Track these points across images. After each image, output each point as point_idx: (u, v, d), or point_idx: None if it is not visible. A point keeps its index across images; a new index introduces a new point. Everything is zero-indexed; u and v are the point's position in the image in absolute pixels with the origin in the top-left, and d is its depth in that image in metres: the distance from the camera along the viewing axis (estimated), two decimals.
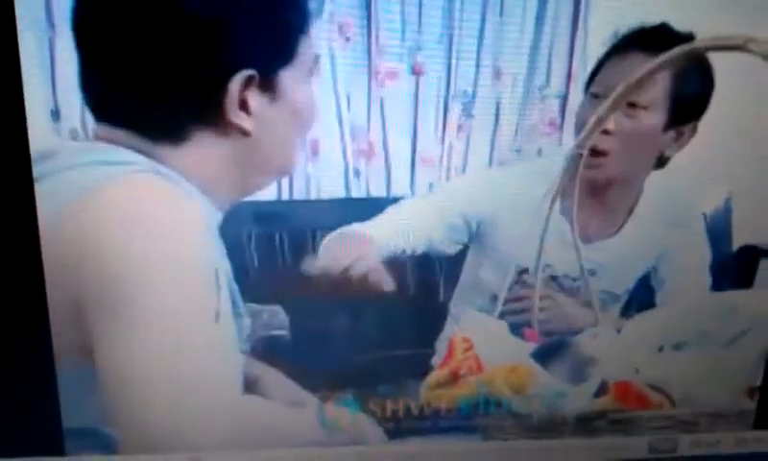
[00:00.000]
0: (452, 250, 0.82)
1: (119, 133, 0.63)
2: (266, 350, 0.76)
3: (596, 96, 0.78)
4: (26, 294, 0.65)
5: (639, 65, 0.75)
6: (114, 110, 0.63)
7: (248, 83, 0.63)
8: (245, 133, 0.65)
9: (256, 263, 0.73)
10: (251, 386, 0.73)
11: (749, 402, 0.85)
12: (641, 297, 0.88)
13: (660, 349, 0.85)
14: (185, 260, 0.64)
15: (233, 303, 0.69)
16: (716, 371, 0.86)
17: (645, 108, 0.78)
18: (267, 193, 0.70)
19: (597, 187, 0.82)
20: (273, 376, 0.75)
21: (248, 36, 0.62)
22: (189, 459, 0.70)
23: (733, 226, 0.82)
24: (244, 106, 0.63)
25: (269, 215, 0.72)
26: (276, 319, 0.74)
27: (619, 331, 0.86)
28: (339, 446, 0.79)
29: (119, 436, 0.68)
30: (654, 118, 0.78)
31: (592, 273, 0.84)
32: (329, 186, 0.71)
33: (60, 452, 0.71)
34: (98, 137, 0.64)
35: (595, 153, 0.78)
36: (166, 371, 0.64)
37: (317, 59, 0.66)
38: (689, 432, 0.86)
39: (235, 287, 0.70)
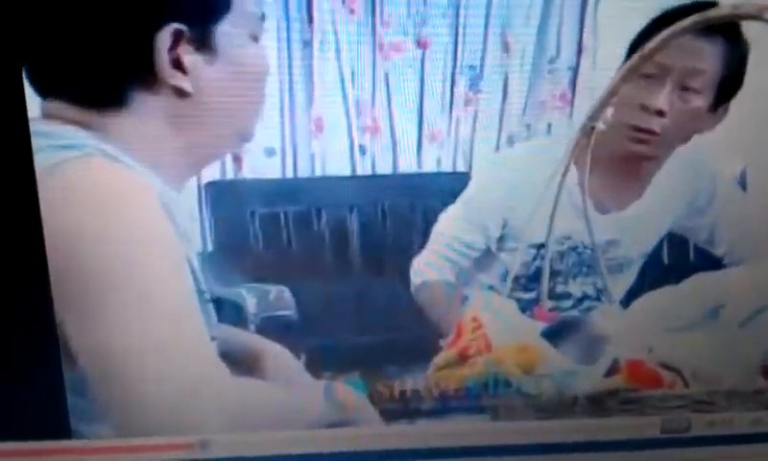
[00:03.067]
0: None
1: (63, 108, 0.61)
2: (272, 330, 0.75)
3: (648, 77, 0.78)
4: (29, 276, 0.64)
5: (692, 46, 0.75)
6: (51, 81, 0.60)
7: (177, 38, 0.59)
8: (183, 94, 0.62)
9: (261, 242, 0.72)
10: (251, 367, 0.72)
11: (764, 382, 0.84)
12: (655, 271, 0.87)
13: (674, 327, 0.84)
14: (137, 241, 0.61)
15: (198, 287, 0.67)
16: (731, 349, 0.84)
17: (698, 91, 0.78)
18: (270, 171, 0.69)
19: (628, 161, 0.82)
20: (277, 357, 0.74)
21: None
22: (198, 441, 0.70)
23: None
24: (178, 64, 0.60)
25: (273, 193, 0.71)
26: (283, 299, 0.73)
27: (629, 308, 0.85)
28: (344, 426, 0.78)
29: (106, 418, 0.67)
30: (703, 100, 0.79)
31: (609, 244, 0.83)
32: (334, 164, 0.69)
33: (67, 435, 0.71)
34: (46, 115, 0.61)
35: (644, 131, 0.79)
36: (137, 356, 0.62)
37: (261, 18, 0.64)
38: (703, 412, 0.85)
39: (198, 266, 0.67)
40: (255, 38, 0.63)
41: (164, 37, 0.59)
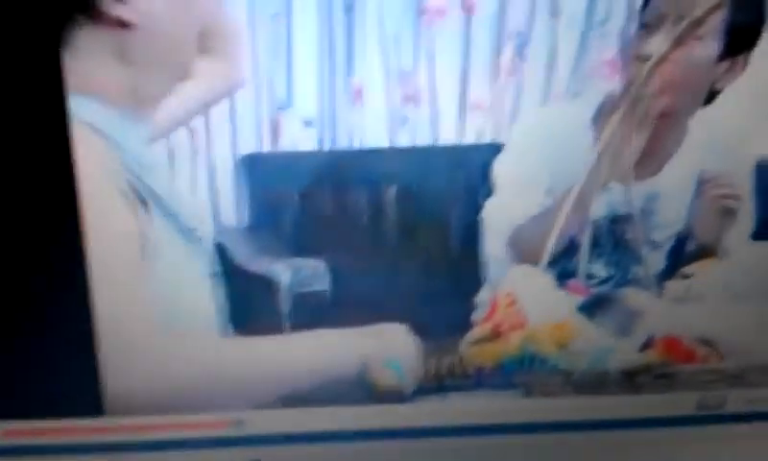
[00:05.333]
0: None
1: None
2: (305, 306, 0.73)
3: (646, 26, 0.75)
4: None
5: None
6: None
7: None
8: (126, 25, 0.59)
9: (297, 216, 0.70)
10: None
11: None
12: (687, 245, 0.86)
13: (710, 300, 0.83)
14: (89, 191, 0.58)
15: (183, 229, 0.64)
16: (765, 323, 0.83)
17: (700, 38, 0.75)
18: (308, 143, 0.67)
19: (645, 121, 0.79)
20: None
21: None
22: (233, 419, 0.69)
23: None
24: None
25: (310, 166, 0.69)
26: (318, 274, 0.72)
27: (665, 281, 0.84)
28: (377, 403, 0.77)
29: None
30: (708, 49, 0.76)
31: (646, 214, 0.82)
32: (373, 135, 0.67)
33: (100, 413, 0.69)
34: None
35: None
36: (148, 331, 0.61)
37: None
38: (738, 387, 0.84)
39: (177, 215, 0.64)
40: None
41: None
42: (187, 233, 0.65)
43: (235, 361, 0.65)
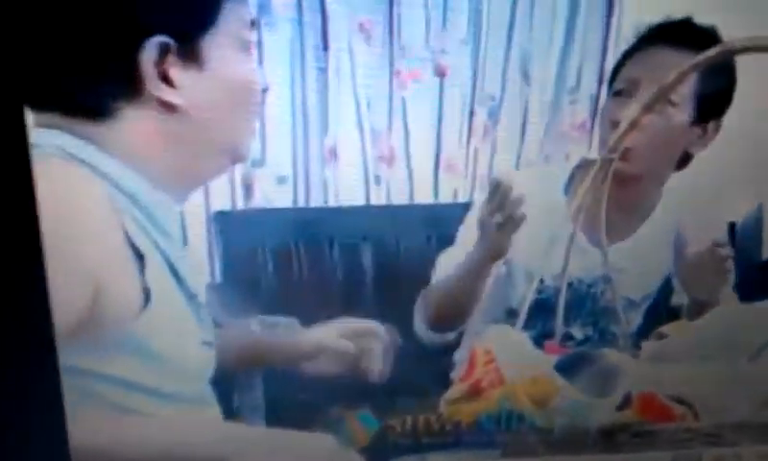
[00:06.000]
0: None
1: (53, 117, 0.58)
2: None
3: (619, 94, 0.76)
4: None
5: (663, 60, 0.73)
6: (42, 93, 0.58)
7: (164, 51, 0.57)
8: (173, 109, 0.59)
9: (271, 273, 0.70)
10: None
11: None
12: (663, 305, 0.86)
13: (685, 360, 0.82)
14: (93, 242, 0.56)
15: (189, 294, 0.63)
16: (741, 382, 0.83)
17: (674, 104, 0.76)
18: (282, 200, 0.67)
19: (618, 185, 0.79)
20: None
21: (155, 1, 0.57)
22: None
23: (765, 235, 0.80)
24: (166, 78, 0.58)
25: (284, 223, 0.69)
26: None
27: (641, 342, 0.83)
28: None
29: None
30: (681, 115, 0.77)
31: (619, 277, 0.82)
32: (348, 193, 0.68)
33: None
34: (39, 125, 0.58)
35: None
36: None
37: (252, 25, 0.61)
38: (713, 445, 0.83)
39: (183, 276, 0.63)
40: (245, 48, 0.61)
41: (149, 50, 0.56)
42: (192, 299, 0.63)
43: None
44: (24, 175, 0.53)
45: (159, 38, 0.57)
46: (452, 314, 0.80)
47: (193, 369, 0.64)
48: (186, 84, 0.59)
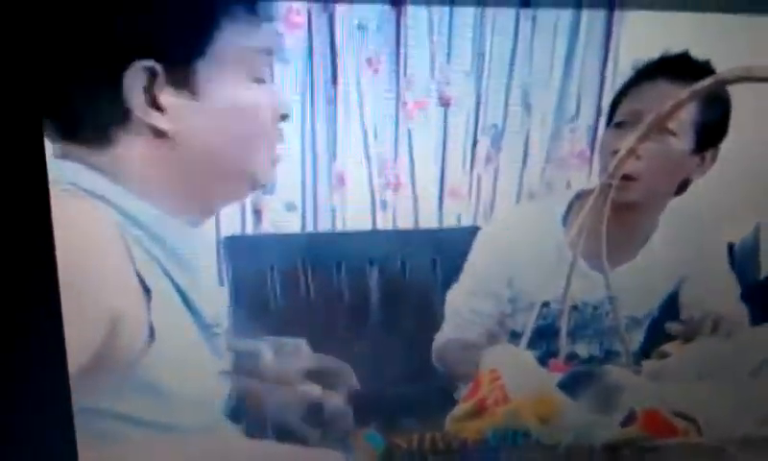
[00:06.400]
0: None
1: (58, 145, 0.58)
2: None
3: (621, 125, 0.78)
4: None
5: (662, 93, 0.75)
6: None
7: (152, 76, 0.55)
8: (162, 134, 0.57)
9: (280, 297, 0.72)
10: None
11: None
12: (665, 322, 0.87)
13: (689, 377, 0.84)
14: (102, 274, 0.55)
15: (203, 324, 0.62)
16: (743, 398, 0.84)
17: (674, 133, 0.78)
18: (291, 226, 0.69)
19: (619, 212, 0.81)
20: None
21: (141, 23, 0.55)
22: None
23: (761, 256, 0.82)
24: (156, 103, 0.56)
25: (292, 247, 0.71)
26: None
27: (643, 360, 0.85)
28: None
29: None
30: (682, 143, 0.79)
31: (613, 300, 0.83)
32: (355, 218, 0.70)
33: None
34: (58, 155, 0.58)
35: (624, 177, 0.78)
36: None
37: (266, 53, 0.60)
38: (716, 460, 0.85)
39: (197, 307, 0.62)
40: (253, 75, 0.60)
41: (134, 74, 0.55)
42: (206, 330, 0.63)
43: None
44: (42, 207, 0.54)
45: (145, 63, 0.55)
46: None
47: (210, 400, 0.64)
48: (177, 110, 0.57)
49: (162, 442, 0.60)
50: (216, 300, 0.66)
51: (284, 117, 0.63)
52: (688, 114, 0.77)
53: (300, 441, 0.71)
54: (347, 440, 0.76)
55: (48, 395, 0.59)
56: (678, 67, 0.76)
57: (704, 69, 0.74)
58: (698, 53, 0.71)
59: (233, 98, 0.59)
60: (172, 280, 0.60)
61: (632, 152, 0.67)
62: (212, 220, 0.70)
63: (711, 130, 0.78)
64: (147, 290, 0.57)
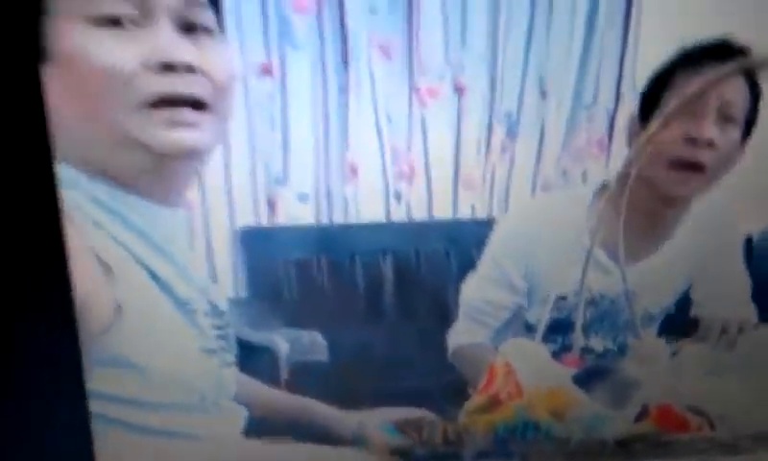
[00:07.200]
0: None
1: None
2: (303, 375, 0.74)
3: (645, 116, 0.76)
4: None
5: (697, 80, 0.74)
6: None
7: None
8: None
9: (294, 288, 0.71)
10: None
11: None
12: (680, 317, 0.86)
13: (702, 372, 0.83)
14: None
15: (178, 300, 0.59)
16: (757, 393, 0.84)
17: (734, 120, 0.76)
18: (305, 216, 0.69)
19: (659, 204, 0.79)
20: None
21: None
22: None
23: None
24: None
25: (307, 239, 0.70)
26: (316, 345, 0.72)
27: (658, 354, 0.84)
28: None
29: None
30: (737, 132, 0.77)
31: (639, 292, 0.82)
32: (369, 209, 0.69)
33: None
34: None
35: (689, 167, 0.76)
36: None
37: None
38: (730, 454, 0.84)
39: (169, 281, 0.59)
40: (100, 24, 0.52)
41: None
42: (182, 306, 0.60)
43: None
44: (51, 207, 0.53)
45: None
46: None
47: (193, 377, 0.61)
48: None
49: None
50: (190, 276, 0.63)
51: (167, 67, 0.55)
52: (743, 100, 0.75)
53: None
54: (362, 432, 0.76)
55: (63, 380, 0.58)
56: (716, 54, 0.73)
57: (742, 55, 0.72)
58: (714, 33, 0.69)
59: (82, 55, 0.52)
60: (134, 256, 0.57)
61: (651, 139, 0.66)
62: (226, 210, 0.69)
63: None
64: (107, 267, 0.54)
